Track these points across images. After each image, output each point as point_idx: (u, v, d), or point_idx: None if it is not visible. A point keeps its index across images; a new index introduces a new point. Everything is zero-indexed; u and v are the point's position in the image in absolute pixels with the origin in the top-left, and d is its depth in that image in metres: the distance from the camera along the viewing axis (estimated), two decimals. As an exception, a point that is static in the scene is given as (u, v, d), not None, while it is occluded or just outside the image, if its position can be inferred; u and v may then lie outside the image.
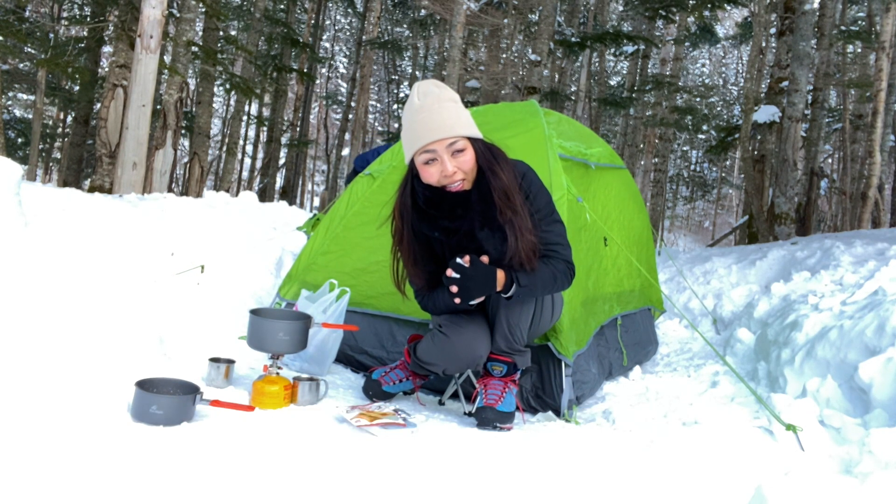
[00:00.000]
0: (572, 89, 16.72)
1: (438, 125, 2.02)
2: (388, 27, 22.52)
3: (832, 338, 2.59)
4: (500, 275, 2.07)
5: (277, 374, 2.19)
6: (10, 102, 19.71)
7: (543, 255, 2.18)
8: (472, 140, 2.10)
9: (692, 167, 32.88)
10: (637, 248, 3.64)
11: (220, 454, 1.64)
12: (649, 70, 17.13)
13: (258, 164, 21.71)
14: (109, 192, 7.58)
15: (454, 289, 2.03)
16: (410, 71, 24.07)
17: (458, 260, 2.03)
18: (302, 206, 21.28)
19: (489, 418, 2.21)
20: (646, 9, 13.35)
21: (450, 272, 2.03)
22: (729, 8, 13.71)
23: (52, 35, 13.10)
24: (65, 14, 15.37)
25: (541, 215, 2.18)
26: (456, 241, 2.14)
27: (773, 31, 14.24)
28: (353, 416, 2.04)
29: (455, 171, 2.04)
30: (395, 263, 2.28)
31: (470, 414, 2.39)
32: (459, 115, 2.06)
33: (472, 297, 2.06)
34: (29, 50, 13.77)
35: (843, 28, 13.60)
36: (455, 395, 2.61)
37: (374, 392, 2.46)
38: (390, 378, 2.49)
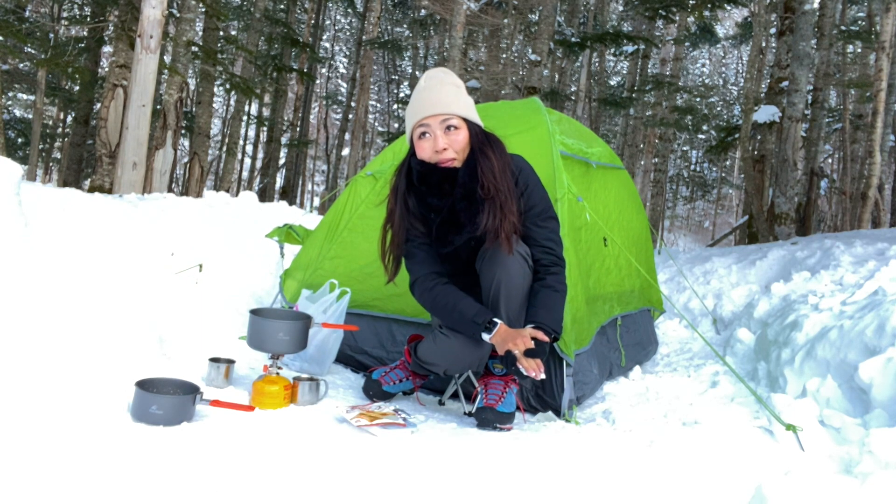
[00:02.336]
0: (572, 89, 16.70)
1: (435, 102, 2.10)
2: (388, 27, 22.52)
3: (832, 338, 2.59)
4: (543, 337, 2.04)
5: (277, 374, 2.19)
6: (10, 102, 19.70)
7: (538, 258, 2.18)
8: (469, 122, 2.14)
9: (692, 167, 32.87)
10: (636, 249, 3.64)
11: (220, 454, 1.64)
12: (649, 70, 17.13)
13: (258, 164, 21.72)
14: (109, 192, 7.58)
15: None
16: (410, 71, 24.04)
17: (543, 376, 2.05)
18: (302, 206, 21.27)
19: (489, 419, 2.21)
20: (646, 9, 13.34)
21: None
22: (729, 8, 13.69)
23: (52, 35, 13.10)
24: (65, 14, 15.37)
25: (537, 210, 2.19)
26: (440, 220, 2.14)
27: (773, 31, 14.23)
28: (353, 416, 2.04)
29: (446, 148, 2.10)
30: (384, 236, 2.27)
31: (470, 414, 2.38)
32: (458, 96, 2.14)
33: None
34: (29, 50, 13.76)
35: (843, 28, 13.61)
36: (455, 395, 2.60)
37: (374, 392, 2.46)
38: (390, 378, 2.49)
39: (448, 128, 2.10)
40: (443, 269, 2.22)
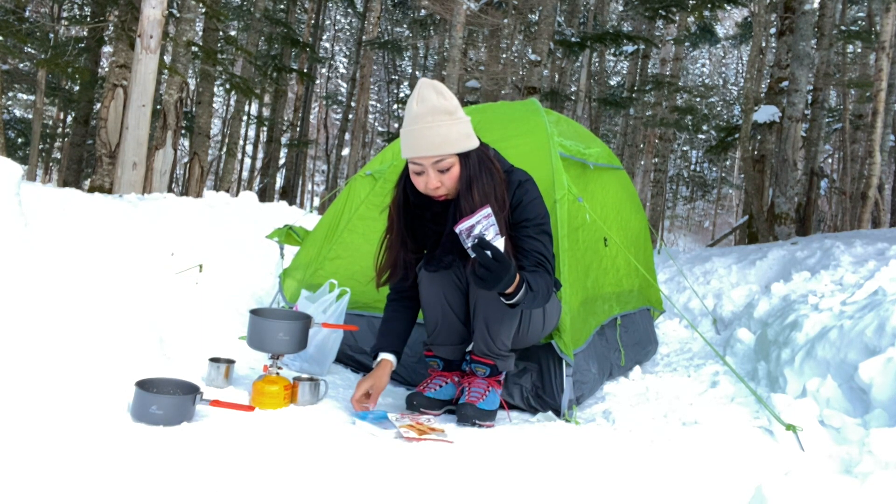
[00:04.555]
0: (572, 89, 16.70)
1: (428, 142, 2.05)
2: (388, 27, 22.52)
3: (832, 338, 2.59)
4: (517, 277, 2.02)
5: (277, 374, 2.19)
6: (10, 102, 19.71)
7: (523, 265, 2.15)
8: (462, 155, 2.11)
9: (692, 167, 32.88)
10: (635, 249, 3.63)
11: (220, 454, 1.64)
12: (649, 70, 17.13)
13: (258, 164, 21.73)
14: (109, 192, 7.58)
15: (481, 270, 1.91)
16: (410, 71, 24.06)
17: (500, 239, 1.98)
18: (302, 206, 21.28)
19: (468, 415, 2.21)
20: (646, 9, 13.34)
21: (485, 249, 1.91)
22: (729, 8, 13.69)
23: (52, 35, 13.09)
24: (65, 14, 15.37)
25: (531, 223, 2.17)
26: (431, 244, 2.26)
27: (773, 31, 14.23)
28: (402, 424, 2.04)
29: (438, 186, 2.11)
30: (380, 250, 2.36)
31: (451, 411, 2.37)
32: (450, 131, 2.06)
33: (492, 287, 1.95)
34: (29, 50, 13.76)
35: (843, 28, 13.61)
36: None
37: (417, 402, 2.33)
38: (431, 385, 2.39)
39: (441, 168, 2.09)
40: (410, 284, 2.34)
